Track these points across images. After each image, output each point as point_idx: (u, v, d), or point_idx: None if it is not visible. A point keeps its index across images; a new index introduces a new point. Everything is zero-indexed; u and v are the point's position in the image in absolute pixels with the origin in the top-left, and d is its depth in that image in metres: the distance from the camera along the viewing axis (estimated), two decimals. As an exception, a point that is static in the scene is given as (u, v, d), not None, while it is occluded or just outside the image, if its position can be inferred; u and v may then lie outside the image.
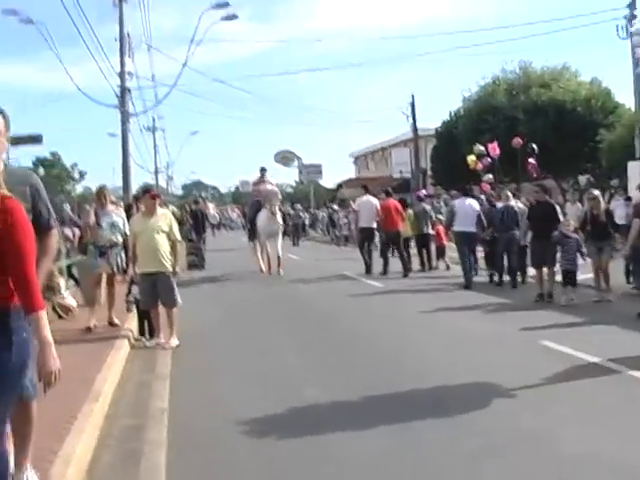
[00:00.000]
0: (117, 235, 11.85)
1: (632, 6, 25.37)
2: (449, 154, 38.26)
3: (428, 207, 22.44)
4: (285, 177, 31.38)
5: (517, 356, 9.08)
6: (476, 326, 11.50)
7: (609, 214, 14.26)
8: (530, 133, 30.74)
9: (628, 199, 17.92)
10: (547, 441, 5.66)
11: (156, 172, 60.31)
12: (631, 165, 21.48)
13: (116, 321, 11.55)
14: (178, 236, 10.89)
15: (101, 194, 12.10)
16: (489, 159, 27.65)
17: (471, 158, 27.08)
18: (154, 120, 55.89)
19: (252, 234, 22.89)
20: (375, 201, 21.19)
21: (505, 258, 16.71)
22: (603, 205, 14.48)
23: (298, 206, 45.56)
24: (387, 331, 11.46)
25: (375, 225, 21.05)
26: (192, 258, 24.19)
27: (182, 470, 5.46)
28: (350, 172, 70.20)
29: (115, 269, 11.84)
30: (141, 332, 11.15)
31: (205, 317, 13.32)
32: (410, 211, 22.23)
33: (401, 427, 6.19)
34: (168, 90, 28.22)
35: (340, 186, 57.40)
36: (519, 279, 16.56)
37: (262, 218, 21.26)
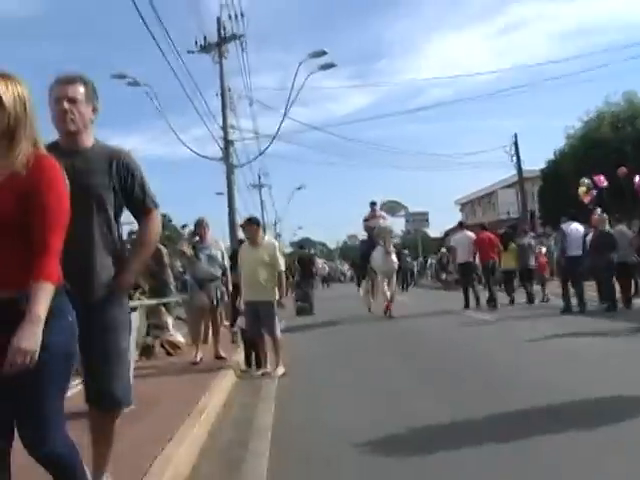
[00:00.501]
0: (216, 268, 11.96)
1: None
2: (556, 193, 37.51)
3: (532, 241, 22.41)
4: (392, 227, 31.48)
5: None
6: (588, 345, 11.20)
7: None
8: (638, 165, 29.95)
9: None
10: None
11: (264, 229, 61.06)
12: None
13: (223, 354, 11.59)
14: (282, 266, 10.81)
15: (200, 225, 12.17)
16: (596, 191, 26.97)
17: (582, 189, 26.45)
18: (260, 177, 56.95)
19: (363, 273, 21.93)
20: (470, 235, 21.39)
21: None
22: None
23: (406, 251, 45.21)
24: (499, 353, 11.22)
25: (471, 259, 21.22)
26: (301, 304, 24.20)
27: (283, 478, 5.35)
28: (456, 219, 69.77)
29: (215, 302, 11.90)
30: (248, 364, 11.18)
31: (314, 351, 13.33)
32: (513, 245, 22.28)
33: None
34: (270, 141, 28.50)
35: (447, 234, 56.90)
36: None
37: (377, 256, 20.09)
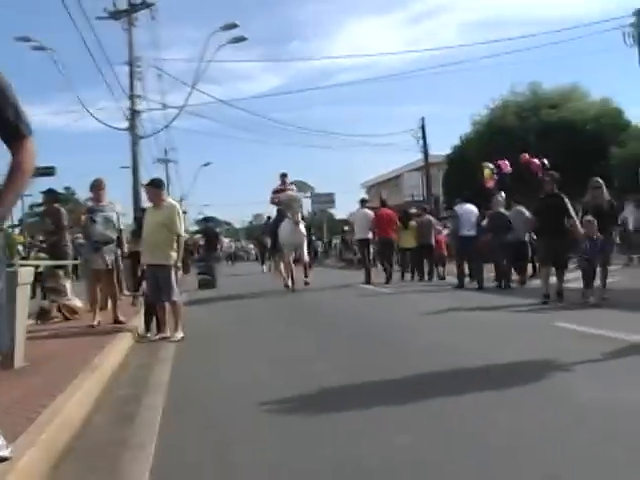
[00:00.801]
0: (112, 231, 11.73)
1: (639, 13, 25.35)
2: (461, 178, 38.00)
3: (432, 218, 22.92)
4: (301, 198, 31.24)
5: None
6: (482, 315, 11.50)
7: (613, 206, 13.58)
8: (541, 154, 30.60)
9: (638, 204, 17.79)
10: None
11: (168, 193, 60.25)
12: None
13: (121, 318, 11.41)
14: (180, 230, 10.55)
15: (97, 186, 11.85)
16: (499, 176, 27.41)
17: (486, 171, 26.85)
18: (166, 152, 56.08)
19: (273, 247, 21.67)
20: (369, 212, 21.68)
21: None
22: (607, 195, 13.52)
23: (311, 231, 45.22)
24: (395, 320, 11.39)
25: (370, 235, 21.51)
26: (204, 277, 23.96)
27: (175, 429, 5.25)
28: (362, 202, 70.09)
29: (110, 266, 11.67)
30: (147, 328, 10.99)
31: (215, 320, 13.29)
32: (414, 222, 22.73)
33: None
34: (177, 112, 28.08)
35: (404, 212, 57.03)
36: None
37: (284, 228, 19.45)
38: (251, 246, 69.96)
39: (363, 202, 22.71)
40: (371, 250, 22.30)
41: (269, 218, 39.65)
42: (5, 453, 3.86)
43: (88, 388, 6.20)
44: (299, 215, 19.54)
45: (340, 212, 65.92)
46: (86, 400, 5.94)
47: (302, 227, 19.60)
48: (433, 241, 21.95)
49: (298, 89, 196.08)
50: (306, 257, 20.20)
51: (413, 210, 24.76)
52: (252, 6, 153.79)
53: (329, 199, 55.80)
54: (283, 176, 21.27)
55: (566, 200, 13.33)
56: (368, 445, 4.47)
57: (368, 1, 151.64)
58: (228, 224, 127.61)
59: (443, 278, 21.41)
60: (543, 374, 6.31)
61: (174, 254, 10.41)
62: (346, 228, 40.78)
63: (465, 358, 7.31)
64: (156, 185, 10.93)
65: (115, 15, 26.53)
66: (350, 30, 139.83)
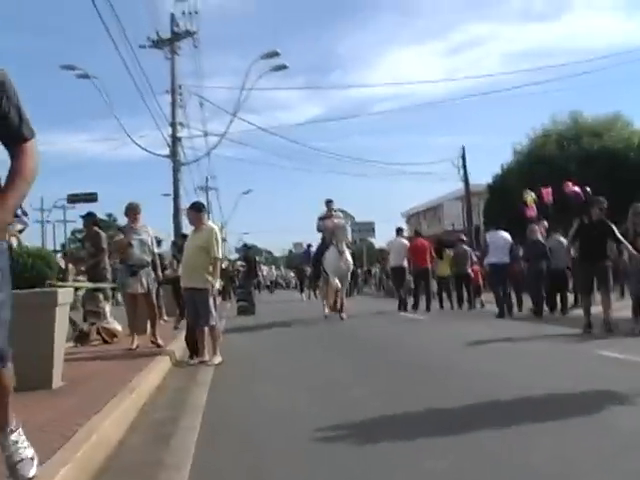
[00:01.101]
0: (148, 254, 11.80)
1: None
2: (502, 207, 37.79)
3: (468, 248, 22.88)
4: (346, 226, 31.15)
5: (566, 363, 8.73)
6: (522, 344, 11.38)
7: None
8: (582, 183, 30.36)
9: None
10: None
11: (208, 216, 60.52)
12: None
13: (159, 341, 11.41)
14: (218, 253, 10.49)
15: (134, 209, 11.95)
16: (539, 206, 27.33)
17: (529, 197, 26.69)
18: (207, 179, 56.48)
19: (316, 275, 21.28)
20: (404, 241, 22.27)
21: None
22: None
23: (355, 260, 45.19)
24: (433, 348, 11.27)
25: (405, 264, 21.89)
26: (242, 304, 24.01)
27: (211, 451, 5.18)
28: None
29: (147, 289, 11.73)
30: (191, 353, 10.91)
31: (254, 345, 13.31)
32: (449, 252, 23.05)
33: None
34: (219, 139, 28.29)
35: (439, 242, 56.85)
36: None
37: (330, 257, 19.14)
38: (291, 274, 69.98)
39: (399, 231, 23.02)
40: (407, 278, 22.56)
41: (309, 246, 39.71)
42: (31, 473, 3.83)
43: (125, 409, 6.19)
44: (344, 243, 19.26)
45: (380, 241, 65.77)
46: (123, 420, 5.92)
47: (348, 255, 19.33)
48: (470, 270, 21.87)
49: (337, 118, 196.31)
50: (344, 295, 19.60)
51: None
52: (294, 37, 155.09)
53: (369, 227, 55.55)
54: (329, 202, 20.40)
55: (613, 227, 12.95)
56: (405, 474, 4.38)
57: (408, 32, 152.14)
58: (268, 252, 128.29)
59: (482, 306, 21.49)
60: (585, 402, 6.19)
61: (211, 278, 10.37)
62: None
63: (505, 386, 7.21)
64: (197, 208, 10.97)
65: (158, 44, 26.89)
66: (390, 60, 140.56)
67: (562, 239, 17.39)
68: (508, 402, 6.36)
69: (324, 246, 19.79)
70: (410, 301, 21.82)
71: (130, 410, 6.37)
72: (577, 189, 23.62)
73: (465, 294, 22.04)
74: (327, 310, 19.53)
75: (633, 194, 31.81)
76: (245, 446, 5.29)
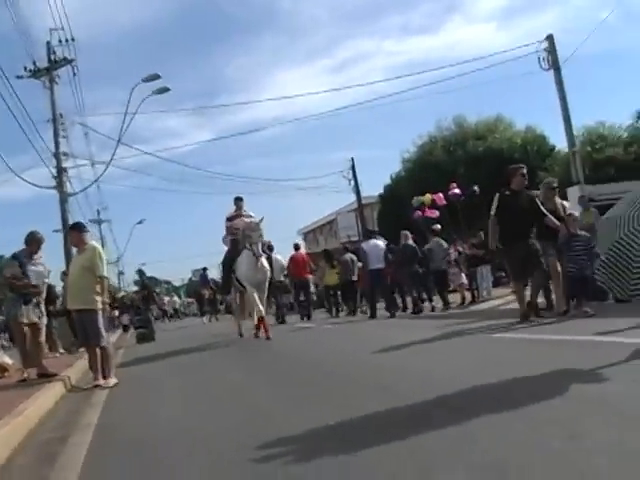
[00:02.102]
0: (42, 286, 11.46)
1: (551, 38, 26.07)
2: (394, 215, 38.33)
3: (353, 256, 23.20)
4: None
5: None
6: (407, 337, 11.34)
7: (564, 209, 12.31)
8: (470, 184, 31.06)
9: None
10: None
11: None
12: (570, 190, 21.86)
13: (50, 370, 10.98)
14: (103, 271, 10.18)
15: (37, 240, 11.45)
16: (434, 210, 28.13)
17: (427, 197, 27.18)
18: (98, 212, 55.46)
19: (227, 288, 18.38)
20: (280, 257, 23.06)
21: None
22: (559, 200, 12.62)
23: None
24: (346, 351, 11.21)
25: (282, 278, 23.82)
26: (141, 331, 23.53)
27: (99, 468, 4.98)
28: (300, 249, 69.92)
29: (38, 319, 11.33)
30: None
31: (150, 369, 12.88)
32: (335, 262, 24.07)
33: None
34: (106, 166, 27.75)
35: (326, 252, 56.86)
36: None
37: (243, 262, 16.23)
38: (191, 300, 69.11)
39: (270, 247, 23.95)
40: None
41: (205, 269, 39.60)
42: None
43: (10, 431, 5.93)
44: (259, 245, 15.91)
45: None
46: (8, 442, 5.67)
47: (264, 261, 16.40)
48: (355, 277, 22.50)
49: (227, 143, 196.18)
50: (263, 310, 16.21)
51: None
52: (178, 64, 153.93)
53: (266, 245, 55.53)
54: (238, 200, 17.84)
55: (537, 199, 11.54)
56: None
57: (293, 51, 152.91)
58: (167, 282, 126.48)
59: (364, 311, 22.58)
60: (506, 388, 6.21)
61: (99, 298, 10.07)
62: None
63: (432, 382, 7.19)
64: (78, 229, 10.72)
65: (36, 73, 26.30)
66: (277, 81, 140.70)
67: (442, 242, 19.61)
68: (451, 398, 6.29)
69: (235, 251, 16.81)
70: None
71: (17, 433, 6.12)
72: (456, 190, 24.29)
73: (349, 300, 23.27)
74: (242, 329, 17.60)
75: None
76: (134, 462, 5.01)
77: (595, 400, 4.73)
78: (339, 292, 24.26)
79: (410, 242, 19.20)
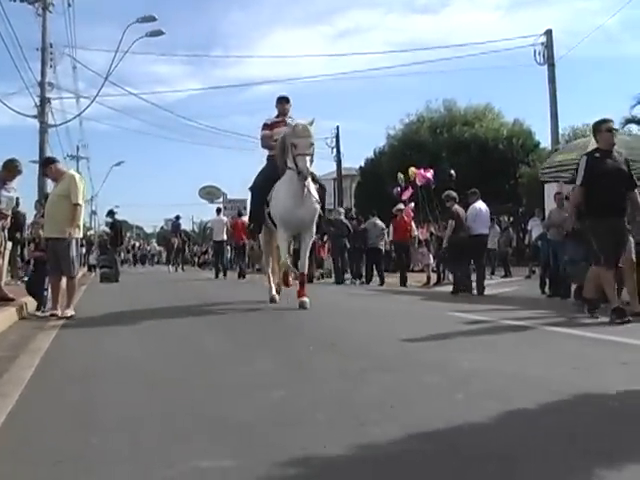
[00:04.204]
0: (9, 210, 11.39)
1: (549, 33, 26.11)
2: (372, 190, 38.29)
3: None
4: (209, 214, 30.77)
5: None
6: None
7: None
8: (453, 169, 31.04)
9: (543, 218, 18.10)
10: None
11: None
12: (547, 187, 21.79)
13: (9, 295, 10.93)
14: (77, 199, 9.98)
15: (16, 167, 11.22)
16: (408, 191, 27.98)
17: (411, 170, 27.09)
18: (78, 148, 54.77)
19: (257, 226, 12.48)
20: (224, 218, 27.30)
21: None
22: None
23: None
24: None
25: (225, 238, 26.43)
26: (106, 270, 23.34)
27: (43, 385, 5.04)
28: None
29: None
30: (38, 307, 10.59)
31: (107, 303, 12.83)
32: None
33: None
34: (90, 101, 27.46)
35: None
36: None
37: (283, 189, 11.11)
38: (160, 248, 68.71)
39: (219, 211, 29.20)
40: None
41: (178, 217, 38.61)
42: None
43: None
44: (308, 161, 10.51)
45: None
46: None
47: (313, 188, 11.26)
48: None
49: (215, 96, 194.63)
50: (306, 261, 11.73)
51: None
52: (174, 12, 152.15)
53: (242, 205, 55.28)
54: (283, 101, 12.24)
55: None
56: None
57: (292, 14, 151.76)
58: (139, 228, 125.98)
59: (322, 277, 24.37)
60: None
61: (70, 226, 9.98)
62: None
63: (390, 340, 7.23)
64: (51, 161, 10.78)
65: (28, -1, 25.85)
66: (273, 41, 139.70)
67: (378, 221, 21.03)
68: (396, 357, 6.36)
69: (273, 173, 11.46)
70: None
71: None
72: (428, 175, 24.24)
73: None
74: (273, 290, 12.41)
75: (501, 182, 32.95)
76: (79, 384, 5.06)
77: None
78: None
79: (341, 217, 21.30)
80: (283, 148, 10.90)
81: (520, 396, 4.29)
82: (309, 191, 10.94)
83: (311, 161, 10.63)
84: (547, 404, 4.09)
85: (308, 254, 11.80)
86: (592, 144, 9.07)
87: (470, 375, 5.06)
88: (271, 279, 12.59)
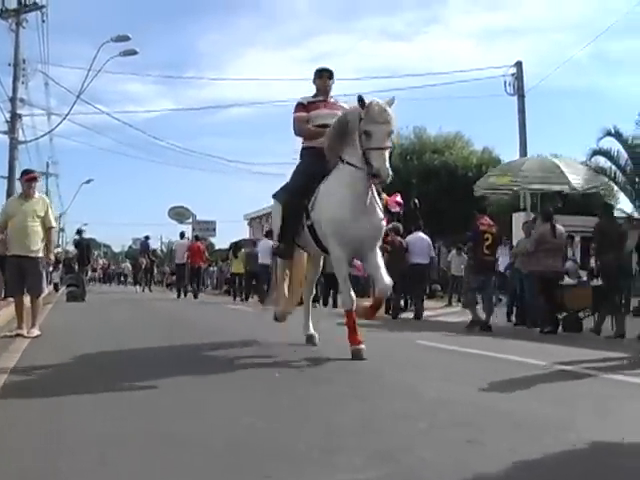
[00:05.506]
0: None
1: (519, 65, 26.47)
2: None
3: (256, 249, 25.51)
4: (178, 234, 30.89)
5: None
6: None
7: None
8: (423, 196, 31.20)
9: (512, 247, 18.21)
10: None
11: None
12: (515, 216, 21.99)
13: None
14: (53, 222, 10.35)
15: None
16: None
17: (383, 197, 27.07)
18: (47, 165, 54.33)
19: (288, 239, 8.61)
20: (185, 242, 29.50)
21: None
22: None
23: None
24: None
25: (184, 261, 27.78)
26: (72, 289, 23.19)
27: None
28: (245, 233, 69.50)
29: None
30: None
31: (75, 325, 12.77)
32: (243, 251, 27.55)
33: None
34: (62, 119, 27.37)
35: (236, 244, 56.74)
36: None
37: (339, 192, 7.83)
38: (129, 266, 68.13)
39: (182, 235, 31.88)
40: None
41: (147, 238, 37.91)
42: None
43: None
44: (387, 156, 7.55)
45: (220, 242, 65.39)
46: None
47: (376, 194, 8.11)
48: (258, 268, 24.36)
49: (187, 117, 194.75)
50: (386, 279, 7.84)
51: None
52: (149, 31, 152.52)
53: (210, 227, 55.38)
54: (324, 75, 8.92)
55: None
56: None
57: (267, 36, 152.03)
58: (107, 247, 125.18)
59: None
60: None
61: (45, 248, 10.20)
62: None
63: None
64: (33, 178, 10.64)
65: (2, 14, 25.71)
66: (247, 63, 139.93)
67: None
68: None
69: (316, 169, 8.31)
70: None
71: None
72: (398, 199, 24.05)
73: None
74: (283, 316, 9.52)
75: (469, 209, 32.95)
76: (43, 408, 5.01)
77: None
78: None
79: None
80: (342, 134, 7.83)
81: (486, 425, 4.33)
82: (374, 197, 7.95)
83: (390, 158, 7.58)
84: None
85: (388, 277, 7.89)
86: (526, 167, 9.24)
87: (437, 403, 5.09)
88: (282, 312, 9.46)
